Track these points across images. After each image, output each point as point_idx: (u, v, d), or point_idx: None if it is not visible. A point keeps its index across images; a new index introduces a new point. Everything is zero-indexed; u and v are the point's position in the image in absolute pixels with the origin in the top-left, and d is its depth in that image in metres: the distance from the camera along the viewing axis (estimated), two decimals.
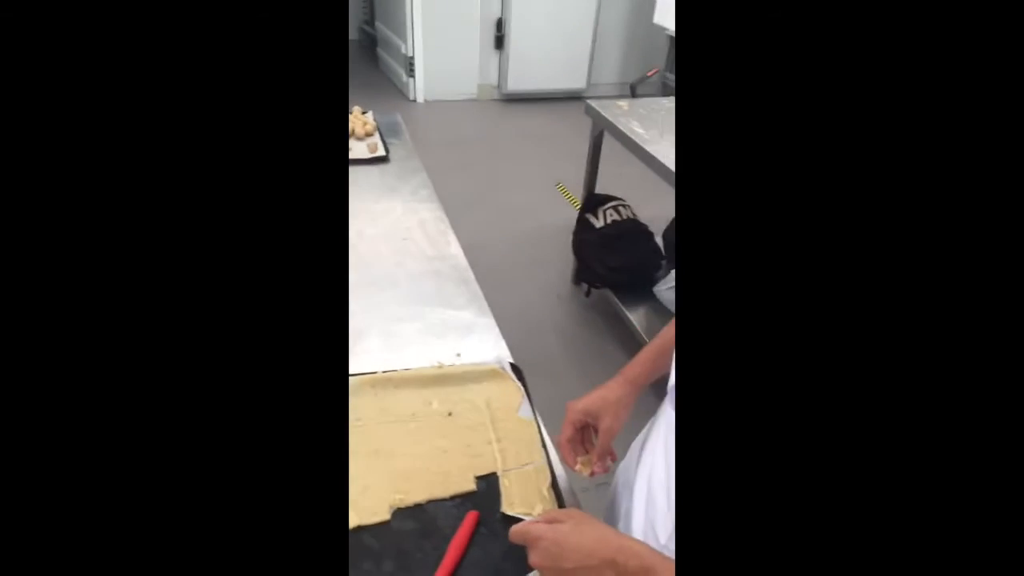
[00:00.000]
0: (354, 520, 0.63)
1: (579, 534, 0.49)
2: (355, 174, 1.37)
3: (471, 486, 0.67)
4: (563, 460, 0.68)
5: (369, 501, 0.64)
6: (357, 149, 1.46)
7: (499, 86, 4.04)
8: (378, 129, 1.56)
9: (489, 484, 0.68)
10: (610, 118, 1.76)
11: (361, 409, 0.76)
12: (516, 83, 3.96)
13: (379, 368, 0.82)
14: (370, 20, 4.71)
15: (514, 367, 0.83)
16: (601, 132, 1.89)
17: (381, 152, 1.45)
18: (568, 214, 2.65)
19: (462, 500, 0.66)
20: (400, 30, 3.85)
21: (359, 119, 1.57)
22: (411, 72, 3.86)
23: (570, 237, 2.14)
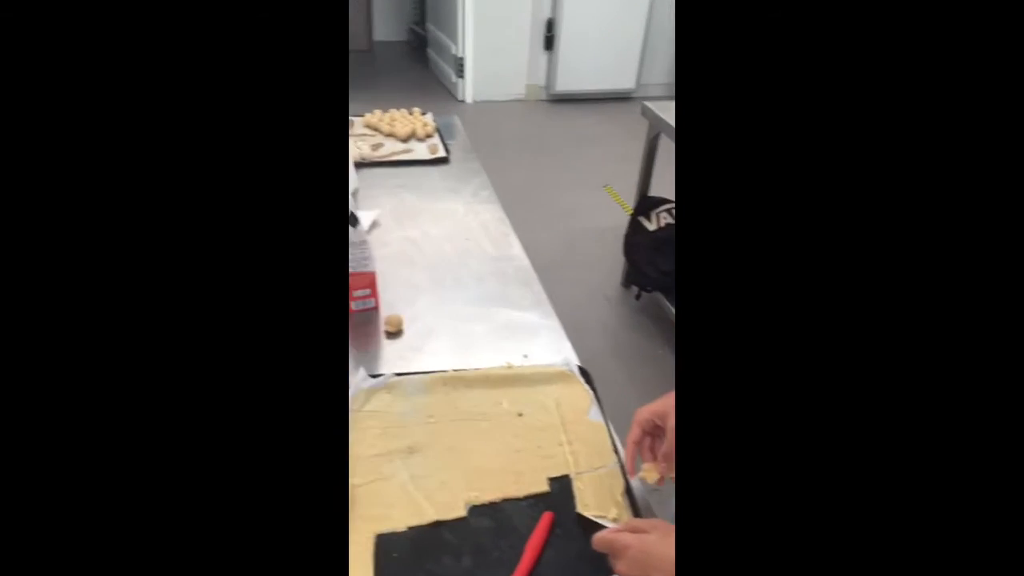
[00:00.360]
0: (432, 514, 0.64)
1: (667, 544, 0.49)
2: (417, 175, 1.40)
3: (544, 487, 0.68)
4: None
5: (446, 496, 0.66)
6: (418, 150, 1.49)
7: (547, 86, 4.04)
8: (438, 130, 1.58)
9: (562, 486, 0.68)
10: (669, 120, 1.74)
11: (434, 407, 0.77)
12: (565, 83, 3.96)
13: (449, 367, 0.84)
14: (420, 21, 4.78)
15: (582, 370, 0.84)
16: (658, 134, 1.88)
17: (441, 153, 1.47)
18: (616, 216, 2.63)
19: (535, 500, 0.67)
20: (451, 31, 3.89)
21: (419, 120, 1.60)
22: (461, 73, 3.90)
23: (618, 239, 2.13)
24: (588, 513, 0.64)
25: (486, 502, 0.66)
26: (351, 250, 0.89)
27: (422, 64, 4.58)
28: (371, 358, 0.88)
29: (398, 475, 0.68)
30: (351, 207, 0.88)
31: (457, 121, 1.73)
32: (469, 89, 3.95)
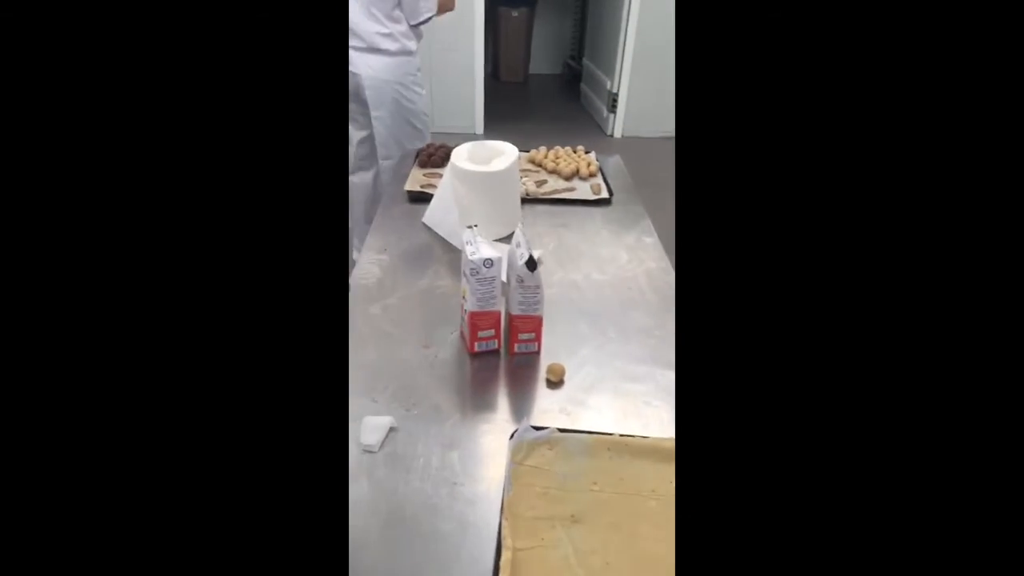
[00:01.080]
0: None
1: None
2: (580, 215, 1.38)
3: None
4: None
5: None
6: (581, 189, 1.47)
7: None
8: (600, 170, 1.56)
9: None
10: None
11: (598, 473, 0.73)
12: None
13: (612, 428, 0.78)
14: (576, 56, 4.87)
15: None
16: None
17: (605, 195, 1.44)
18: None
19: None
20: (608, 67, 3.91)
21: (583, 159, 1.58)
22: (613, 108, 3.89)
23: None
24: None
25: None
26: (524, 293, 0.88)
27: (573, 97, 4.65)
28: (530, 405, 0.85)
29: (561, 546, 0.64)
30: (526, 247, 0.86)
31: (619, 160, 1.70)
32: (619, 125, 3.93)
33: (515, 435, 0.76)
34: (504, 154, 1.24)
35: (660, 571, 0.62)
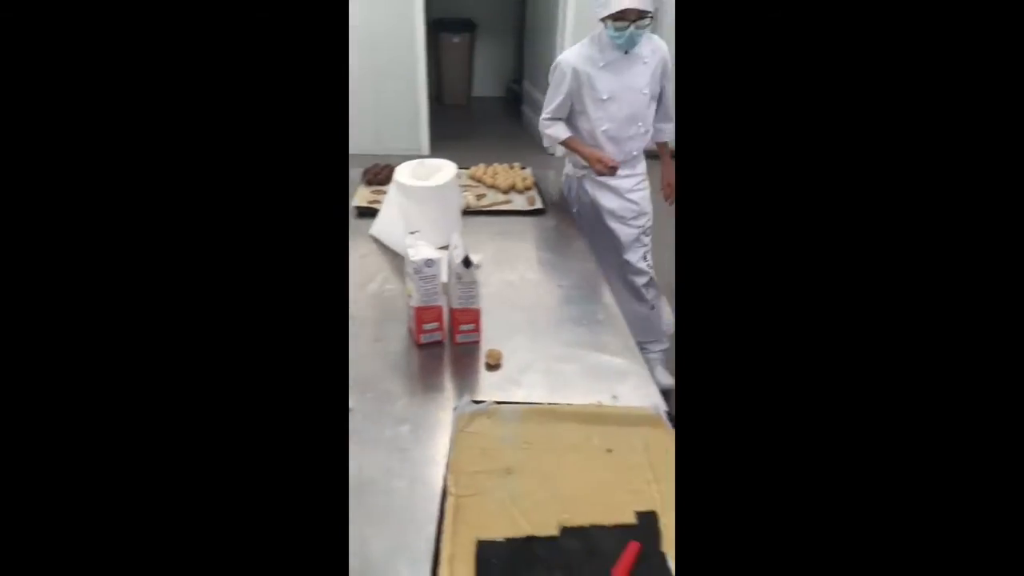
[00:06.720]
0: (527, 529, 0.71)
1: None
2: (516, 224, 1.51)
3: (632, 519, 0.73)
4: None
5: (540, 515, 0.72)
6: (517, 202, 1.61)
7: None
8: (536, 184, 1.71)
9: (648, 521, 0.73)
10: None
11: (529, 435, 0.85)
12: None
13: (543, 401, 0.91)
14: (518, 79, 5.09)
15: (670, 415, 0.89)
16: None
17: (539, 205, 1.59)
18: None
19: (623, 531, 0.72)
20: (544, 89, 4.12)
21: (519, 174, 1.73)
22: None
23: None
24: (671, 553, 0.68)
25: (576, 525, 0.72)
26: (463, 289, 1.00)
27: (516, 119, 4.85)
28: (472, 386, 0.97)
29: (496, 492, 0.75)
30: (462, 249, 0.99)
31: (556, 175, 1.86)
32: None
33: (458, 408, 0.87)
34: (443, 170, 1.37)
35: (580, 506, 0.74)
